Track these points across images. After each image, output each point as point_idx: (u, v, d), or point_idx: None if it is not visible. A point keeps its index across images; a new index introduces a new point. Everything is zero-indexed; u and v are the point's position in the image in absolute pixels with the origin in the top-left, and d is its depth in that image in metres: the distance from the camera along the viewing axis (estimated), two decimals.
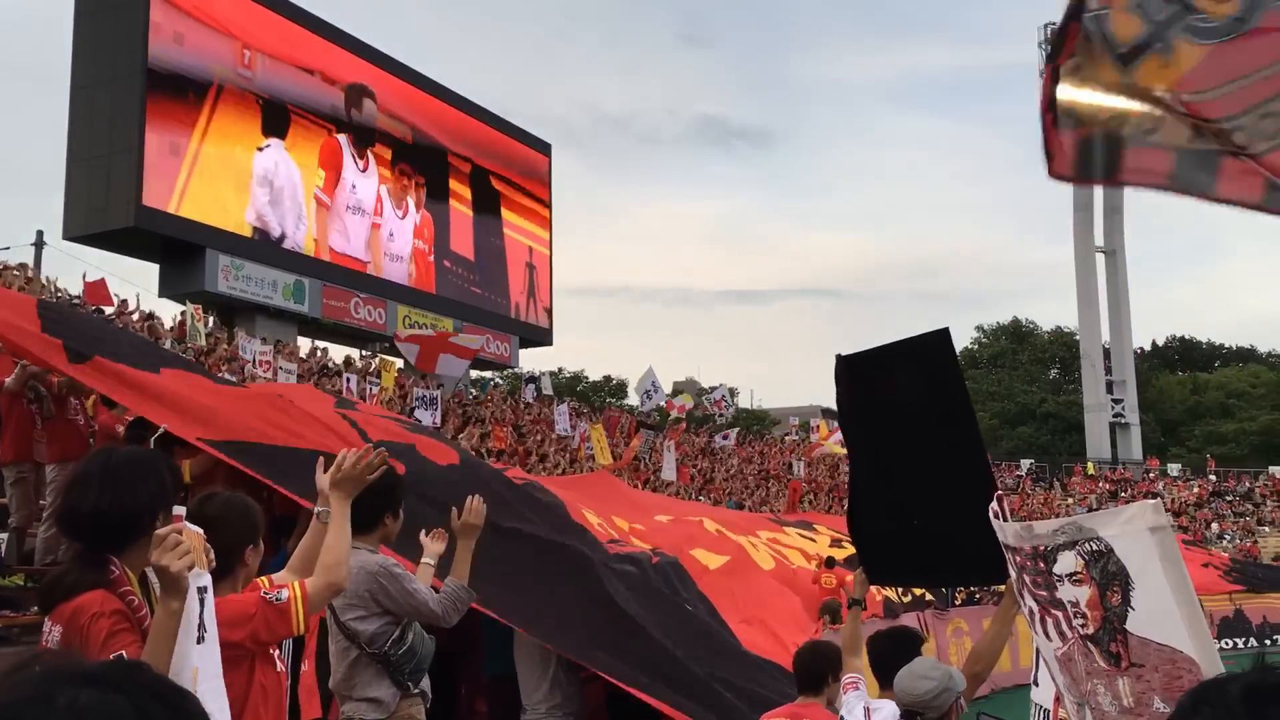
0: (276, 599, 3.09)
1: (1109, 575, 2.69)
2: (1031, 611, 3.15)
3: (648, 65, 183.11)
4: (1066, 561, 2.82)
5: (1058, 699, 4.35)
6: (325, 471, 3.69)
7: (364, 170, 32.99)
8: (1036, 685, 5.12)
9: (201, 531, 2.68)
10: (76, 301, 19.30)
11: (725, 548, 10.71)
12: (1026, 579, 3.09)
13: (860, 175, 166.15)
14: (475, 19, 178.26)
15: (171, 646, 2.45)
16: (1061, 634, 2.94)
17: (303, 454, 6.33)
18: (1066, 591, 2.84)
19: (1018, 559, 3.13)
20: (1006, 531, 3.20)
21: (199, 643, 2.54)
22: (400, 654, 4.79)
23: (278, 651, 3.29)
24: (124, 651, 2.65)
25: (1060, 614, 2.92)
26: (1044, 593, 2.98)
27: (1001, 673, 15.13)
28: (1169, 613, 2.57)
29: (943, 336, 4.55)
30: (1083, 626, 2.81)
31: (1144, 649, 2.63)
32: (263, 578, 3.42)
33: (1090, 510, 38.88)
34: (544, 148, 41.99)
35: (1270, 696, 1.29)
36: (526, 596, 6.22)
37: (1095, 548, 2.73)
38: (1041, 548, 2.93)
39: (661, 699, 5.93)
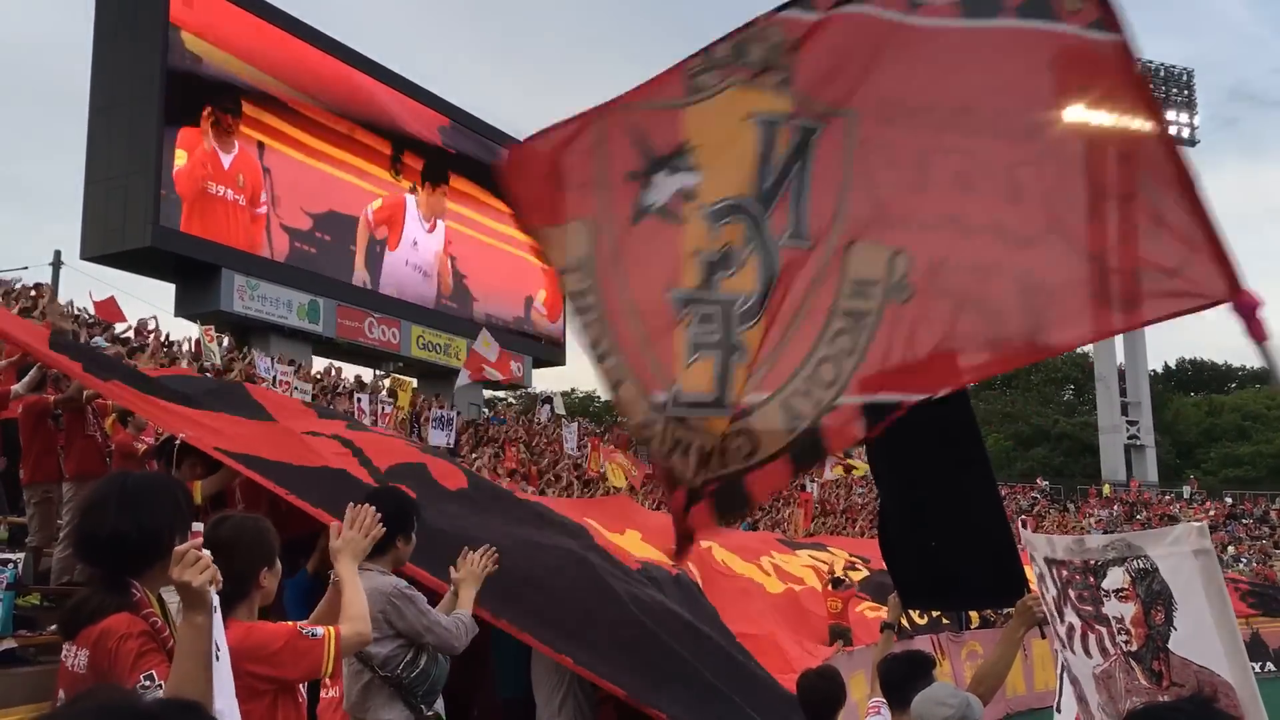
0: (311, 634, 3.09)
1: (1154, 594, 2.71)
2: (1072, 627, 3.16)
3: None
4: (1115, 577, 2.84)
5: None
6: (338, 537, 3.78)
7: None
8: (1059, 712, 5.09)
9: (208, 554, 2.69)
10: (94, 321, 19.40)
11: (734, 577, 10.70)
12: (1072, 593, 3.10)
13: None
14: (488, 39, 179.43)
15: (206, 663, 2.45)
16: (1104, 650, 2.95)
17: (320, 471, 6.35)
18: (1112, 607, 2.86)
19: (1065, 573, 3.13)
20: (1057, 545, 3.21)
21: (215, 660, 2.56)
22: (413, 676, 4.79)
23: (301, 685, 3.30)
24: (154, 671, 2.65)
25: (1104, 630, 2.93)
26: (1089, 608, 2.99)
27: (1016, 696, 15.07)
28: (1209, 636, 2.58)
29: None
30: (1126, 643, 2.82)
31: (1185, 669, 2.63)
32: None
33: (1105, 533, 38.64)
34: None
35: None
36: (539, 608, 6.19)
37: (1142, 565, 2.75)
38: (1092, 562, 2.95)
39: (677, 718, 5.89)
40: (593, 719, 6.52)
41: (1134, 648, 2.79)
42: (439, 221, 35.47)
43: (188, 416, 6.62)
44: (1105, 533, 40.49)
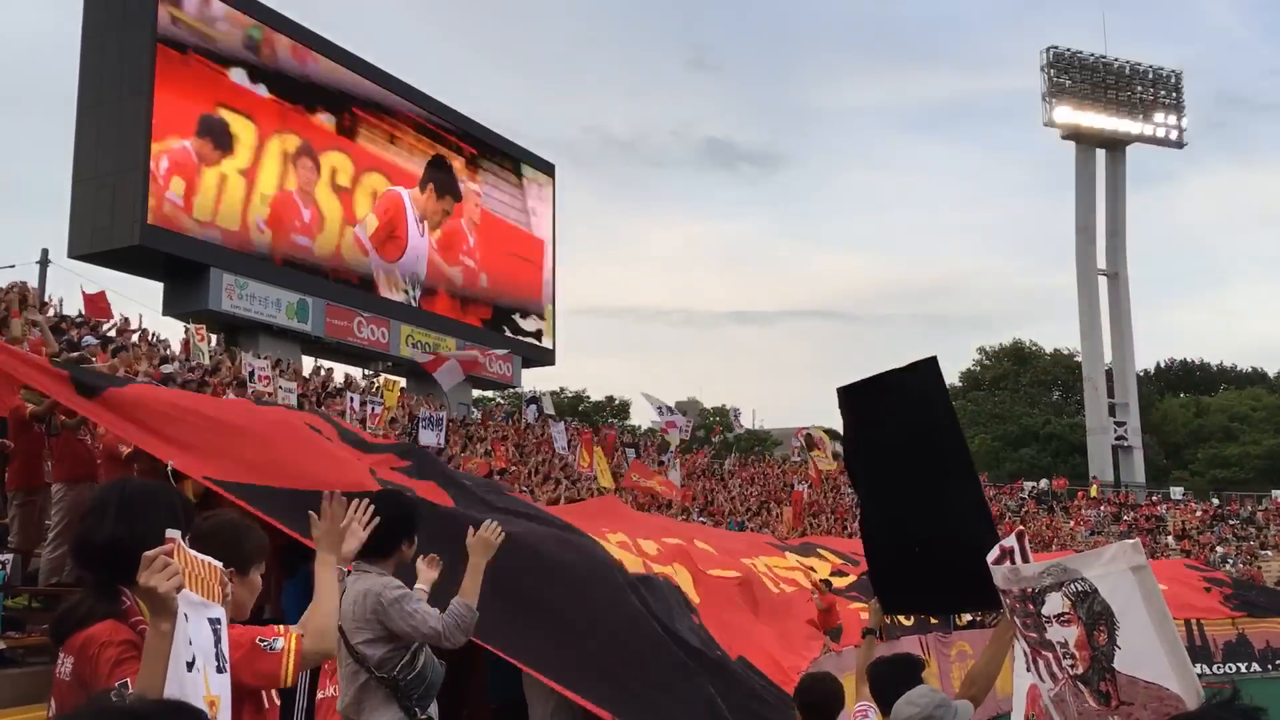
0: (269, 647, 3.03)
1: (1095, 615, 2.73)
2: (1025, 653, 3.18)
3: (655, 89, 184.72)
4: (1054, 603, 2.86)
5: None
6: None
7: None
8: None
9: (221, 565, 2.67)
10: (81, 320, 19.28)
11: (725, 581, 10.68)
12: (1017, 621, 3.12)
13: (864, 198, 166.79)
14: (483, 42, 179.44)
15: (164, 668, 2.42)
16: (1053, 675, 2.96)
17: (309, 495, 6.31)
18: (1055, 632, 2.88)
19: (1008, 600, 3.15)
20: (996, 574, 3.24)
21: (219, 672, 2.54)
22: (410, 678, 4.78)
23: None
24: (129, 680, 2.65)
25: (1050, 655, 2.95)
26: (1034, 634, 3.01)
27: (1004, 696, 15.07)
28: (1154, 650, 2.61)
29: (930, 365, 4.56)
30: (1072, 667, 2.84)
31: (1133, 687, 2.66)
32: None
33: (1093, 533, 38.43)
34: (548, 168, 42.11)
35: None
36: (523, 628, 6.19)
37: (1080, 588, 2.76)
38: (1030, 590, 2.96)
39: None
40: (583, 718, 6.53)
41: (1080, 670, 2.80)
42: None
43: (176, 440, 6.50)
44: (1092, 534, 40.50)
